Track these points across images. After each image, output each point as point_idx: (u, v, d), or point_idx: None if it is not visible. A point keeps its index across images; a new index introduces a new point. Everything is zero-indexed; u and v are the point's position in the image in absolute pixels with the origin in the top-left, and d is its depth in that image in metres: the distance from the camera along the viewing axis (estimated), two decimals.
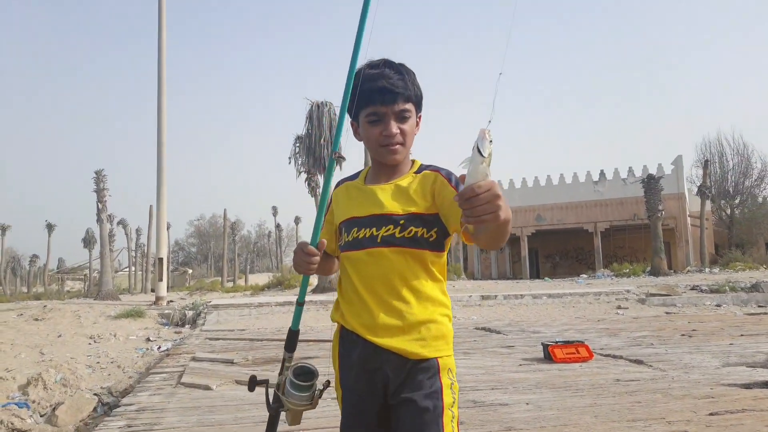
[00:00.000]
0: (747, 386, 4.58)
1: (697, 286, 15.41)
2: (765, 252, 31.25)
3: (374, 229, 1.52)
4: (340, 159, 1.53)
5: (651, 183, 24.85)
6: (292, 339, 1.58)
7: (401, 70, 1.56)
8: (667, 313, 12.03)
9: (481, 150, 1.03)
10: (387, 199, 1.54)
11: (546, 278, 27.80)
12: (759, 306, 13.11)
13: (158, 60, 19.13)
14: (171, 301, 19.35)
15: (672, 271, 25.53)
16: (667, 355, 6.36)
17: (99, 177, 25.94)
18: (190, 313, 13.31)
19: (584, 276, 26.13)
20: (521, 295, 14.66)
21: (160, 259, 19.12)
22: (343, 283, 1.59)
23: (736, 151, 37.02)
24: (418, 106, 1.60)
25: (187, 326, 12.61)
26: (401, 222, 1.49)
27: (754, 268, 23.20)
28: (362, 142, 1.64)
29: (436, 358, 1.47)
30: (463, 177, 1.07)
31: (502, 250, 36.70)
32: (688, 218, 30.57)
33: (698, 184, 31.16)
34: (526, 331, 9.31)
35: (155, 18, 19.22)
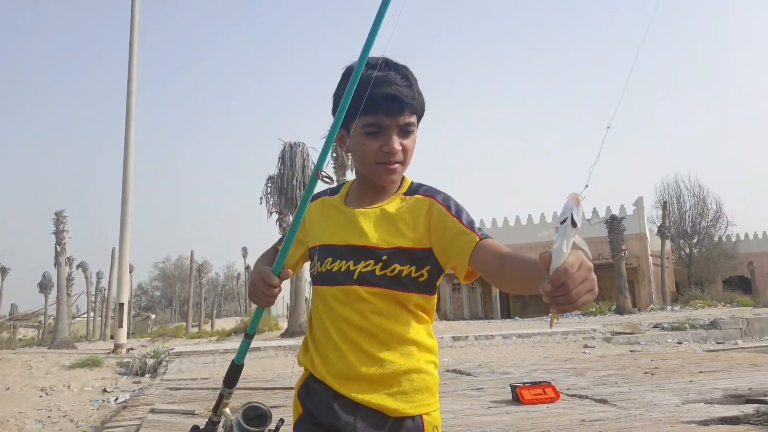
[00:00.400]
0: (704, 423, 4.74)
1: (660, 323, 15.78)
2: (722, 289, 32.16)
3: (351, 263, 1.30)
4: (326, 180, 1.29)
5: (614, 224, 25.57)
6: (233, 373, 1.33)
7: (407, 74, 1.33)
8: (631, 351, 12.29)
9: (576, 220, 0.85)
10: (369, 227, 1.32)
11: (516, 318, 28.01)
12: (717, 342, 13.50)
13: (127, 94, 18.92)
14: (131, 348, 18.75)
15: (636, 309, 26.04)
16: (630, 393, 6.52)
17: (59, 218, 25.23)
18: (150, 362, 12.92)
19: None
20: (492, 335, 14.76)
21: (121, 305, 18.54)
22: (314, 321, 1.38)
23: (692, 192, 38.52)
24: (419, 119, 1.37)
25: (147, 375, 12.21)
26: (384, 258, 1.27)
27: (712, 305, 23.88)
28: (348, 154, 1.44)
29: (421, 415, 1.27)
30: (545, 258, 0.89)
31: (473, 289, 36.99)
32: (650, 257, 31.41)
33: (658, 225, 32.20)
34: (495, 372, 9.39)
35: (124, 51, 19.14)
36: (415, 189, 1.38)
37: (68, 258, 28.65)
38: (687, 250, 37.59)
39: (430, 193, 1.35)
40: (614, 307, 24.84)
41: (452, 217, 1.28)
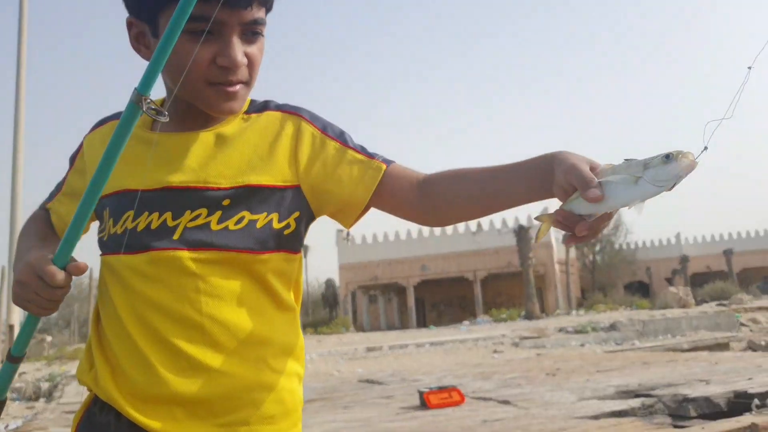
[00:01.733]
0: (595, 417, 5.01)
1: (564, 327, 16.58)
2: (623, 293, 34.36)
3: (169, 215, 0.87)
4: (152, 113, 0.73)
5: (522, 233, 26.68)
6: None
7: None
8: (537, 354, 12.80)
9: (677, 182, 0.68)
10: (198, 158, 0.89)
11: (431, 326, 28.50)
12: (616, 344, 14.35)
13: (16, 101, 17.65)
14: (23, 373, 17.39)
15: (544, 314, 27.23)
16: (531, 394, 6.78)
17: None
18: (45, 386, 12.06)
19: (466, 323, 27.10)
20: (405, 344, 14.93)
21: (11, 327, 17.20)
22: (103, 314, 0.92)
23: None
24: (267, 14, 0.93)
25: (41, 400, 11.39)
26: (225, 202, 0.87)
27: (614, 309, 25.40)
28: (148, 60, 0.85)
29: None
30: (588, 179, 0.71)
31: (390, 300, 37.35)
32: (556, 265, 33.02)
33: (563, 233, 33.94)
34: (407, 380, 9.47)
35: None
36: (261, 106, 0.97)
37: None
38: (591, 257, 39.87)
39: (289, 108, 0.96)
40: (523, 313, 25.85)
41: (334, 141, 0.92)
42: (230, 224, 0.87)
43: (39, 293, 0.82)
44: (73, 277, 0.81)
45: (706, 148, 0.66)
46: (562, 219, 0.77)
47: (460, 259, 33.50)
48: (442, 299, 37.66)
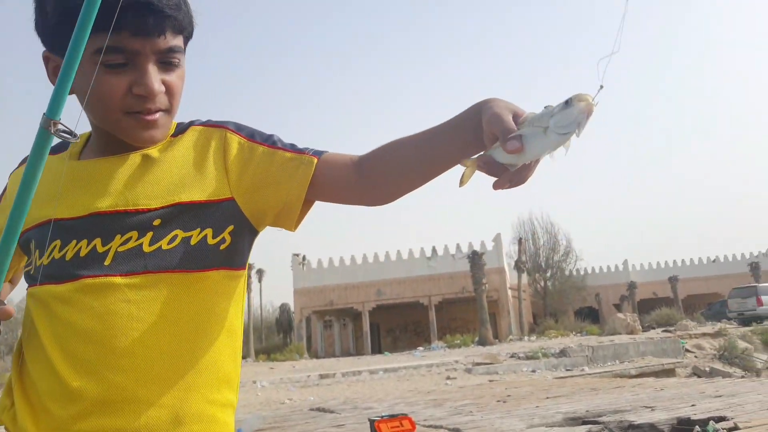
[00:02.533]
0: None
1: (516, 353, 16.74)
2: (574, 319, 35.05)
3: (98, 241, 0.84)
4: (64, 135, 0.69)
5: (475, 258, 26.98)
6: None
7: None
8: (489, 380, 12.85)
9: (579, 127, 0.68)
10: (125, 181, 0.87)
11: (386, 352, 28.32)
12: (566, 369, 14.56)
13: None
14: None
15: (497, 340, 27.47)
16: (482, 421, 6.78)
17: None
18: None
19: (421, 348, 27.07)
20: (359, 371, 14.75)
21: None
22: (26, 349, 0.88)
23: (545, 229, 41.91)
24: (187, 42, 0.93)
25: None
26: (155, 222, 0.84)
27: (564, 335, 25.84)
28: (74, 95, 0.87)
29: None
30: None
31: (345, 325, 36.97)
32: (509, 290, 33.48)
33: (515, 259, 34.55)
34: (359, 407, 9.34)
35: None
36: (186, 125, 0.95)
37: None
38: (542, 283, 40.60)
39: (214, 122, 0.94)
40: (477, 338, 26.00)
41: (261, 146, 0.90)
42: (163, 244, 0.84)
43: None
44: (16, 301, 0.74)
45: (601, 86, 0.66)
46: (484, 165, 0.77)
47: (415, 284, 33.55)
48: (397, 325, 37.53)
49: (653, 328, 25.40)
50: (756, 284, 26.54)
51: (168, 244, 0.84)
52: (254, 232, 0.94)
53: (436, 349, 25.49)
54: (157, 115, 0.87)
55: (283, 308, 40.05)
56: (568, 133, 0.68)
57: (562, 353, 16.10)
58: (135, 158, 0.89)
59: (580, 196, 64.09)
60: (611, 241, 66.25)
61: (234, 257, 0.90)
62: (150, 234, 0.84)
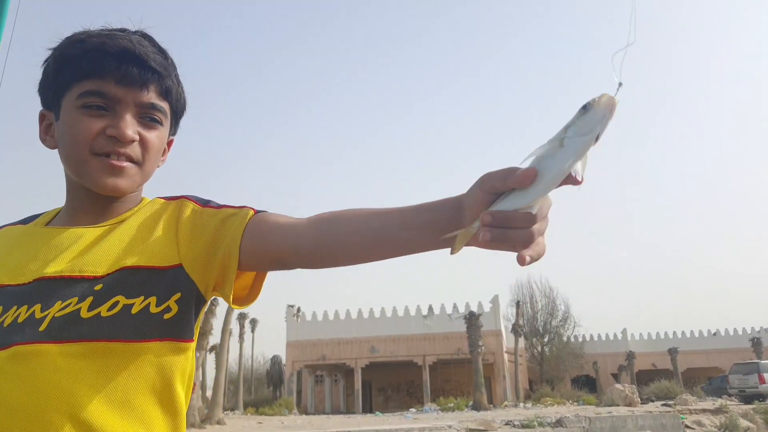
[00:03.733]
0: None
1: (511, 421, 16.23)
2: (571, 387, 34.23)
3: (38, 307, 0.80)
4: None
5: (472, 320, 26.62)
6: None
7: (163, 49, 0.93)
8: None
9: (600, 133, 0.59)
10: (78, 248, 0.85)
11: (377, 412, 27.52)
12: None
13: None
14: None
15: (492, 405, 26.73)
16: None
17: None
18: None
19: (413, 410, 26.33)
20: (349, 431, 14.27)
21: None
22: None
23: (543, 293, 41.55)
24: (176, 120, 0.97)
25: None
26: (97, 287, 0.80)
27: (561, 403, 25.20)
28: (56, 150, 0.91)
29: None
30: (527, 175, 0.61)
31: (336, 381, 36.10)
32: (505, 354, 32.85)
33: (512, 323, 34.08)
34: None
35: None
36: (153, 200, 0.96)
37: None
38: (539, 348, 39.91)
39: (176, 196, 0.94)
40: (471, 403, 25.32)
41: (211, 209, 0.88)
42: (102, 310, 0.79)
43: None
44: None
45: (621, 84, 0.58)
46: (492, 222, 0.63)
47: (410, 343, 32.97)
48: (389, 383, 36.65)
49: (652, 401, 24.78)
50: (758, 360, 25.98)
51: (108, 310, 0.80)
52: (203, 301, 0.89)
53: (429, 411, 24.78)
54: (126, 164, 0.87)
55: (275, 360, 39.29)
56: (591, 134, 0.58)
57: (559, 423, 15.60)
58: (97, 231, 0.88)
59: (578, 261, 63.93)
60: (610, 308, 65.61)
61: (181, 328, 0.85)
62: (90, 299, 0.80)
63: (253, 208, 0.88)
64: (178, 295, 0.84)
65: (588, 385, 36.59)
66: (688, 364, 39.94)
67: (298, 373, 33.89)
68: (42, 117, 0.93)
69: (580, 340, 42.01)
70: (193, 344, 0.88)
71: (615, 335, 43.17)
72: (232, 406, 28.89)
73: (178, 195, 0.94)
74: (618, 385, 24.93)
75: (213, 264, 0.86)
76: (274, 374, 38.49)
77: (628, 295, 66.84)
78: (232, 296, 0.87)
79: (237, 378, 30.37)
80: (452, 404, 25.26)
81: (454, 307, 33.55)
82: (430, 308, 33.82)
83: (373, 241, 0.79)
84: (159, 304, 0.82)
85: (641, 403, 22.89)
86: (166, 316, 0.83)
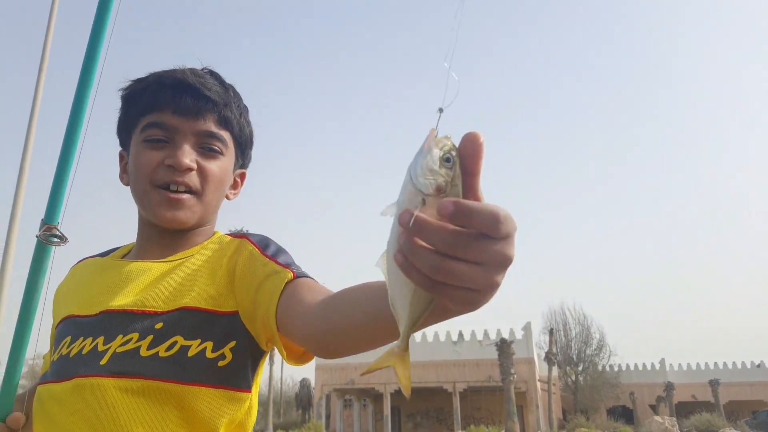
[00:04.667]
0: None
1: None
2: (606, 418, 33.17)
3: (101, 340, 0.82)
4: (55, 242, 0.82)
5: (504, 347, 26.14)
6: None
7: (225, 82, 0.95)
8: None
9: (428, 168, 0.47)
10: (144, 282, 0.87)
11: None
12: None
13: (18, 181, 17.55)
14: None
15: None
16: None
17: None
18: None
19: None
20: None
21: None
22: None
23: (577, 321, 40.57)
24: (242, 151, 0.98)
25: None
26: (158, 326, 0.81)
27: None
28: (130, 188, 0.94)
29: None
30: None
31: (365, 406, 35.78)
32: (538, 383, 32.08)
33: (545, 351, 33.32)
34: None
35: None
36: (216, 236, 0.96)
37: None
38: (573, 377, 38.87)
39: (239, 233, 0.94)
40: (503, 431, 24.73)
41: (264, 258, 0.85)
42: (161, 350, 0.80)
43: None
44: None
45: (440, 110, 0.48)
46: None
47: (440, 369, 32.52)
48: (419, 410, 36.12)
49: None
50: None
51: (166, 351, 0.80)
52: (260, 352, 0.86)
53: None
54: (184, 195, 0.89)
55: (303, 383, 39.20)
56: (429, 171, 0.47)
57: None
58: (160, 264, 0.90)
59: (613, 288, 62.41)
60: (647, 337, 63.65)
61: (235, 376, 0.83)
62: (150, 337, 0.81)
63: (293, 271, 0.82)
64: (233, 344, 0.83)
65: (624, 416, 35.40)
66: (730, 396, 38.31)
67: (326, 397, 33.72)
68: (121, 157, 0.98)
69: (616, 369, 40.76)
70: (250, 395, 0.85)
71: (653, 365, 41.79)
72: (261, 429, 28.88)
73: (242, 233, 0.93)
74: (657, 417, 24.05)
75: (257, 321, 0.83)
76: (303, 397, 38.38)
77: (666, 323, 64.79)
78: (285, 353, 0.82)
79: (266, 400, 30.40)
80: None
81: (485, 333, 33.02)
82: (460, 334, 33.37)
83: (379, 316, 0.63)
84: (215, 350, 0.82)
85: None
86: (221, 363, 0.82)
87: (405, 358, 0.50)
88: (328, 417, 35.08)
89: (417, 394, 34.43)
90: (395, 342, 0.51)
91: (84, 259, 1.04)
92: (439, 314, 0.52)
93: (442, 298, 0.44)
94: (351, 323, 0.69)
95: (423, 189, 0.46)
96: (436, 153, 0.47)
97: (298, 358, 0.83)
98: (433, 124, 0.47)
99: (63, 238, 0.84)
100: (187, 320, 0.82)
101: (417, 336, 33.51)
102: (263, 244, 0.89)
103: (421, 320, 0.48)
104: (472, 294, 0.43)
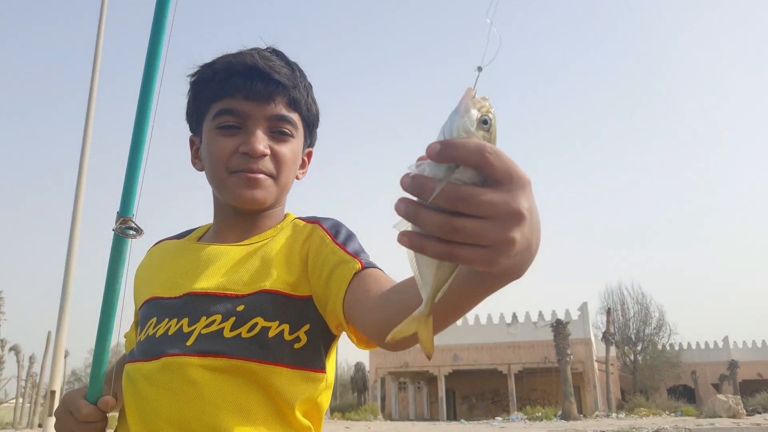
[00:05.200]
0: None
1: (604, 431, 15.71)
2: (667, 397, 32.48)
3: (186, 321, 0.86)
4: (131, 234, 0.86)
5: (559, 328, 25.89)
6: None
7: (291, 62, 0.96)
8: None
9: (464, 129, 0.45)
10: (224, 265, 0.90)
11: (462, 420, 27.37)
12: None
13: (78, 176, 18.42)
14: None
15: (582, 415, 25.87)
16: None
17: None
18: None
19: (499, 419, 25.95)
20: None
21: (53, 392, 17.20)
22: (118, 428, 0.93)
23: (635, 300, 39.63)
24: (310, 130, 0.99)
25: None
26: (239, 308, 0.85)
27: (656, 414, 24.02)
28: (204, 173, 0.97)
29: None
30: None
31: (420, 389, 36.17)
32: (595, 363, 31.64)
33: (603, 331, 32.79)
34: None
35: (79, 123, 18.74)
36: (289, 219, 0.98)
37: (1, 340, 26.94)
38: (632, 357, 38.13)
39: (313, 218, 0.95)
40: (560, 412, 24.62)
41: (335, 245, 0.87)
42: (243, 331, 0.84)
43: (72, 428, 0.89)
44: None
45: (480, 68, 0.46)
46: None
47: (494, 351, 32.51)
48: (473, 391, 36.26)
49: (759, 413, 23.11)
50: None
51: (248, 332, 0.84)
52: (332, 337, 0.89)
53: (516, 420, 24.35)
54: (260, 175, 0.90)
55: (358, 367, 39.87)
56: (461, 126, 0.46)
57: None
58: (243, 249, 0.93)
59: (673, 266, 60.50)
60: (709, 314, 61.56)
61: (310, 359, 0.87)
62: (233, 319, 0.84)
63: (361, 261, 0.83)
64: (307, 327, 0.87)
65: (686, 395, 34.54)
66: None
67: (381, 380, 34.28)
68: (191, 142, 1.00)
69: (677, 348, 39.74)
70: (325, 375, 0.89)
71: (715, 343, 40.52)
72: None
73: (315, 218, 0.95)
74: (721, 396, 23.44)
75: (327, 308, 0.85)
76: (358, 381, 39.06)
77: (729, 299, 62.48)
78: (356, 339, 0.83)
79: None
80: (540, 413, 24.70)
81: (540, 314, 32.74)
82: (514, 316, 33.20)
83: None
84: (291, 332, 0.86)
85: (746, 415, 21.38)
86: (296, 345, 0.86)
87: (428, 322, 0.51)
88: (383, 399, 35.66)
89: (471, 376, 34.56)
90: (419, 308, 0.51)
91: (161, 241, 1.07)
92: (476, 287, 0.54)
93: (457, 259, 0.43)
94: (404, 316, 0.59)
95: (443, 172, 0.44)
96: (474, 114, 0.45)
97: (367, 343, 0.83)
98: (471, 83, 0.45)
99: (138, 230, 0.86)
100: (267, 303, 0.85)
101: (470, 319, 33.62)
102: (334, 230, 0.90)
103: (445, 287, 0.49)
104: (487, 252, 0.43)
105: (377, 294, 0.76)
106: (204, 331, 0.84)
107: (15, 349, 46.52)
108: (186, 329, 0.85)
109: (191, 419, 0.81)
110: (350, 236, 0.90)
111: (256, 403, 0.83)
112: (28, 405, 44.75)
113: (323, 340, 0.89)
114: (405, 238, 0.44)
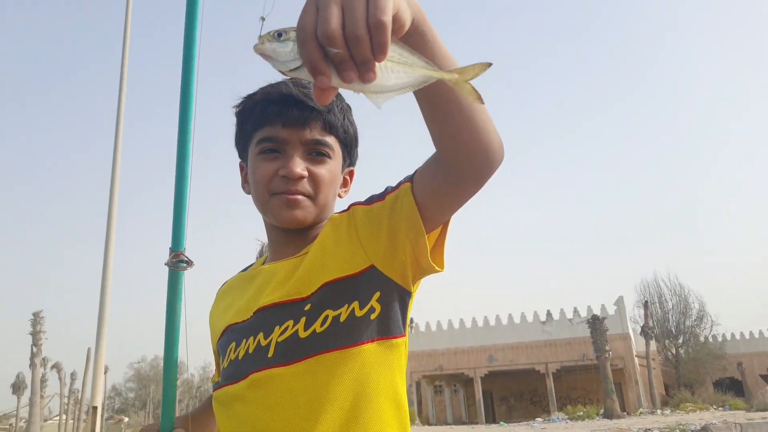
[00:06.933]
0: None
1: (650, 429, 15.19)
2: (713, 391, 31.48)
3: (261, 335, 0.89)
4: (181, 267, 0.93)
5: (596, 323, 25.32)
6: None
7: None
8: None
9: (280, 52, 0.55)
10: (287, 276, 0.94)
11: (502, 423, 26.90)
12: None
13: (110, 195, 18.73)
14: None
15: (625, 413, 25.20)
16: None
17: (36, 319, 24.71)
18: None
19: (539, 420, 25.46)
20: None
21: (94, 408, 17.53)
22: None
23: (673, 291, 38.61)
24: (348, 151, 1.03)
25: None
26: (307, 308, 0.88)
27: (703, 409, 23.23)
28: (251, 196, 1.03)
29: None
30: None
31: (456, 391, 35.77)
32: (636, 358, 30.87)
33: (641, 325, 31.96)
34: None
35: (108, 149, 19.02)
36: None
37: (43, 359, 27.68)
38: (673, 351, 37.11)
39: (348, 206, 0.99)
40: (602, 410, 24.00)
41: (378, 202, 0.90)
42: (316, 327, 0.87)
43: None
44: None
45: (263, 18, 0.57)
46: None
47: (530, 350, 31.94)
48: (511, 392, 35.71)
49: None
50: None
51: (321, 326, 0.86)
52: (405, 293, 0.91)
53: (557, 421, 23.84)
54: (297, 196, 0.96)
55: None
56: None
57: (704, 430, 14.36)
58: (292, 261, 0.97)
59: (711, 255, 58.83)
60: (753, 303, 59.61)
61: (388, 325, 0.89)
62: (303, 319, 0.87)
63: (405, 181, 0.87)
64: (377, 294, 0.88)
65: (733, 388, 33.40)
66: None
67: (416, 384, 34.00)
68: (241, 168, 1.07)
69: (720, 339, 38.53)
70: (404, 338, 0.92)
71: (761, 333, 39.14)
72: None
73: (349, 205, 0.99)
74: None
75: (401, 248, 0.86)
76: None
77: None
78: (430, 259, 0.85)
79: None
80: (581, 412, 24.13)
81: (575, 311, 32.09)
82: (549, 313, 32.60)
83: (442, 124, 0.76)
84: (362, 307, 0.87)
85: None
86: (372, 316, 0.88)
87: (451, 75, 0.57)
88: (419, 404, 35.40)
89: (508, 377, 34.05)
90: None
91: (226, 282, 1.14)
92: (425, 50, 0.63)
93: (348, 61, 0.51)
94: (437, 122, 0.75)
95: (292, 64, 0.53)
96: (272, 44, 0.54)
97: (437, 245, 0.87)
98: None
99: (189, 263, 0.94)
100: (331, 293, 0.88)
101: (503, 318, 33.14)
102: (368, 200, 0.94)
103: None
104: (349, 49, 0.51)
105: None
106: (280, 339, 0.87)
107: (57, 366, 47.95)
108: (263, 343, 0.89)
109: (286, 427, 0.83)
110: (384, 190, 0.92)
111: (348, 389, 0.84)
112: (72, 421, 46.14)
113: (399, 301, 0.90)
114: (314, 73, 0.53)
